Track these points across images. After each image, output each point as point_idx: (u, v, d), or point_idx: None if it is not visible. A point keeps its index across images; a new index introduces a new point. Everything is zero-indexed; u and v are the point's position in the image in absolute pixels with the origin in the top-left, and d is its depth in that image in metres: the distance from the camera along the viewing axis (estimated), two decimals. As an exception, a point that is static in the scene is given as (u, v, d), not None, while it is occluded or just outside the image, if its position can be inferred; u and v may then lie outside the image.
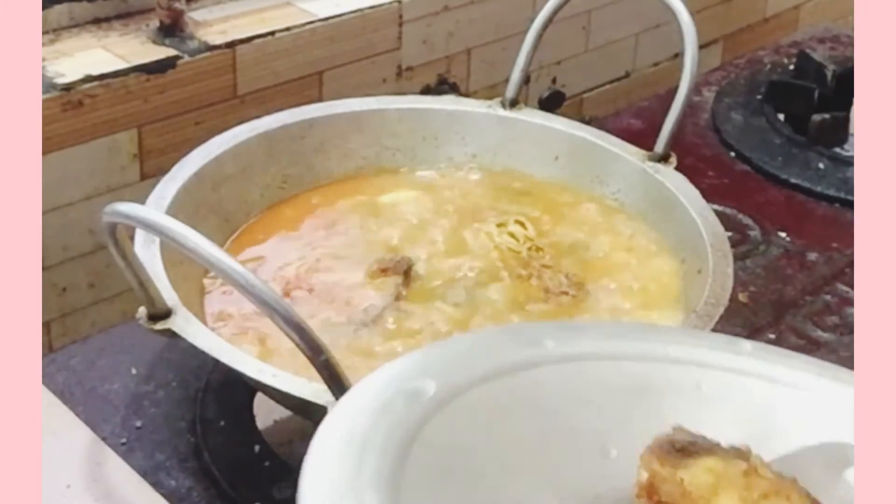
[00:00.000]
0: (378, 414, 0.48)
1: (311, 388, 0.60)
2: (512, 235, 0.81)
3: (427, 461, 0.48)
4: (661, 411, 0.54)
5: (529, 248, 0.79)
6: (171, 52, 0.97)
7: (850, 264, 0.92)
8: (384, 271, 0.76)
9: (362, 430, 0.47)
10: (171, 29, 0.99)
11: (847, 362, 0.82)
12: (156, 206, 0.72)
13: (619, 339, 0.58)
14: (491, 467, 0.50)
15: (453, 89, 1.19)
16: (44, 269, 0.93)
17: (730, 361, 0.58)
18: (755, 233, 0.97)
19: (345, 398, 0.51)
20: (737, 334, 0.84)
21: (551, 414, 0.53)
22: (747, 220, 0.98)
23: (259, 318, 0.69)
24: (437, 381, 0.51)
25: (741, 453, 0.52)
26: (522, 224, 0.82)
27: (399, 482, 0.45)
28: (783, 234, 0.96)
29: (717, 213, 0.78)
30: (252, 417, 0.75)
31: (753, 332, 0.85)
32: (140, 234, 0.69)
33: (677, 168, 0.82)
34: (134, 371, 0.79)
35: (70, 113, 0.91)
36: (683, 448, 0.52)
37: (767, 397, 0.57)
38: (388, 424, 0.48)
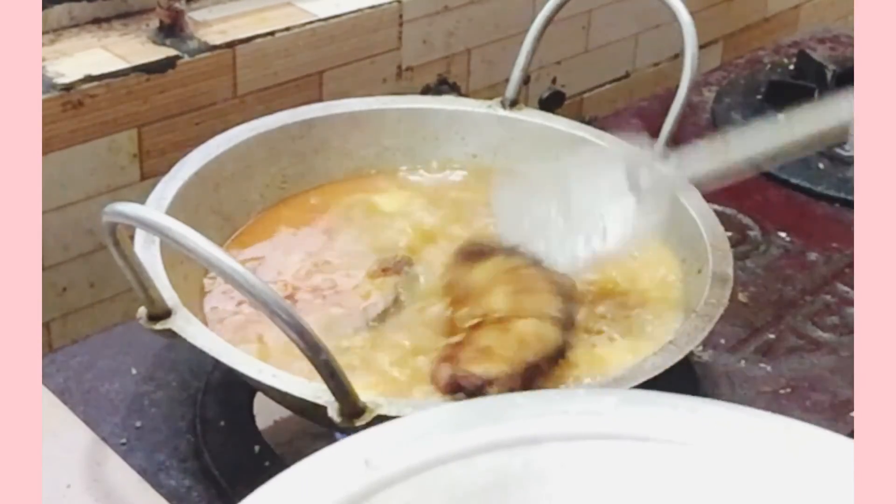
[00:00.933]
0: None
1: (311, 388, 0.60)
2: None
3: None
4: None
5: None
6: (171, 52, 0.97)
7: (850, 264, 0.92)
8: (384, 271, 0.76)
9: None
10: (171, 29, 0.99)
11: (847, 362, 0.82)
12: (156, 206, 0.72)
13: (466, 430, 0.50)
14: None
15: (453, 89, 1.19)
16: (44, 269, 0.93)
17: (593, 425, 0.51)
18: (755, 233, 0.97)
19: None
20: (737, 334, 0.85)
21: None
22: (747, 220, 0.98)
23: (259, 317, 0.70)
24: None
25: (515, 251, 0.69)
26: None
27: None
28: (783, 234, 0.96)
29: (717, 213, 0.78)
30: (252, 417, 0.75)
31: (753, 332, 0.85)
32: (140, 234, 0.69)
33: (677, 168, 0.82)
34: (134, 371, 0.79)
35: (70, 113, 0.91)
36: (474, 252, 0.69)
37: (639, 460, 0.50)
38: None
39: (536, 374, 0.67)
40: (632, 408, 0.52)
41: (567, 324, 0.70)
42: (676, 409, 0.52)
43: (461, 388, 0.65)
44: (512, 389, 0.64)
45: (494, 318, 0.68)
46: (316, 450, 0.76)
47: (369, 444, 0.49)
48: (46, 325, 0.96)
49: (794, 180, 1.05)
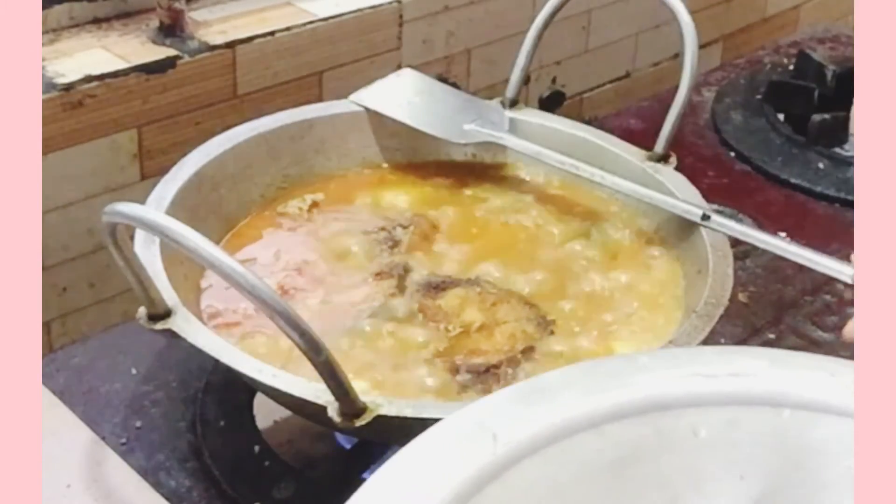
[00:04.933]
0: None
1: (311, 388, 0.60)
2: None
3: None
4: (660, 477, 0.45)
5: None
6: (171, 52, 0.97)
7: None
8: (378, 275, 0.76)
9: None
10: (171, 29, 0.99)
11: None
12: (156, 206, 0.72)
13: (593, 394, 0.46)
14: None
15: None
16: (44, 269, 0.93)
17: (730, 385, 0.46)
18: (755, 233, 0.97)
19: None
20: (737, 334, 0.85)
21: None
22: (748, 221, 0.98)
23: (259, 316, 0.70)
24: None
25: (475, 280, 0.74)
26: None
27: None
28: (783, 234, 0.96)
29: (717, 212, 0.78)
30: (252, 417, 0.75)
31: (753, 332, 0.85)
32: (140, 234, 0.69)
33: (677, 168, 0.82)
34: (134, 371, 0.79)
35: (70, 113, 0.91)
36: (437, 286, 0.74)
37: (780, 426, 0.45)
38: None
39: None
40: (785, 371, 0.46)
41: (545, 323, 0.72)
42: (835, 375, 0.47)
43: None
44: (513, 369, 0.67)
45: (475, 328, 0.71)
46: (316, 449, 0.76)
47: (493, 412, 0.46)
48: (46, 325, 0.96)
49: (794, 180, 1.05)
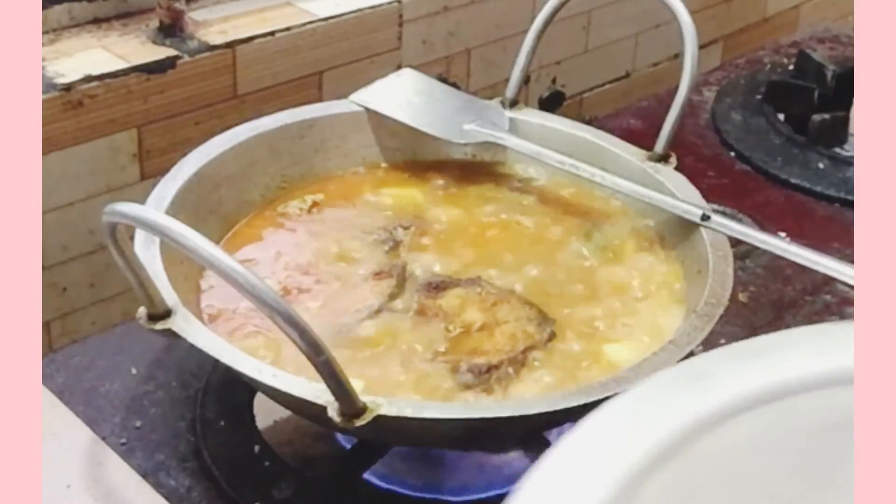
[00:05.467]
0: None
1: (311, 388, 0.60)
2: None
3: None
4: None
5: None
6: (171, 52, 0.97)
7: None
8: (378, 275, 0.76)
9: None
10: (171, 29, 0.99)
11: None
12: (156, 206, 0.72)
13: (824, 356, 0.45)
14: None
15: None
16: (44, 269, 0.93)
17: None
18: (755, 233, 0.97)
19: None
20: (737, 334, 0.85)
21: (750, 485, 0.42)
22: (747, 221, 0.98)
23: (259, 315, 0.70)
24: None
25: (476, 280, 0.74)
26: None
27: None
28: (783, 234, 0.96)
29: (717, 212, 0.78)
30: (252, 417, 0.75)
31: (753, 333, 0.85)
32: (140, 234, 0.69)
33: (677, 168, 0.82)
34: (134, 371, 0.79)
35: (70, 113, 0.91)
36: (437, 286, 0.73)
37: None
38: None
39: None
40: None
41: (546, 323, 0.71)
42: None
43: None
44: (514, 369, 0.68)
45: (476, 329, 0.71)
46: (316, 449, 0.76)
47: (710, 365, 0.46)
48: (46, 325, 0.96)
49: (794, 180, 1.05)
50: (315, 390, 0.59)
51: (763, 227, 0.97)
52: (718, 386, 0.45)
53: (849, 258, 0.71)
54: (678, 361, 0.65)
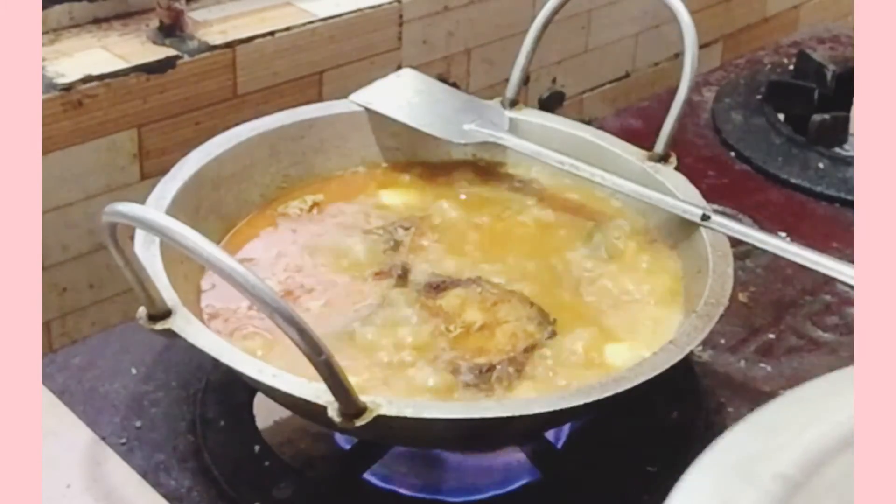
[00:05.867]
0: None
1: (311, 388, 0.60)
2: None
3: None
4: None
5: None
6: (171, 52, 0.97)
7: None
8: (378, 275, 0.76)
9: None
10: (171, 29, 0.99)
11: (847, 362, 0.82)
12: (156, 206, 0.72)
13: None
14: None
15: (453, 89, 1.19)
16: (44, 269, 0.93)
17: None
18: (755, 233, 0.97)
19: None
20: (737, 334, 0.85)
21: None
22: (747, 220, 0.98)
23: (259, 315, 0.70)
24: None
25: (476, 280, 0.74)
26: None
27: None
28: (783, 234, 0.96)
29: (717, 212, 0.78)
30: (252, 417, 0.75)
31: (753, 332, 0.86)
32: (140, 234, 0.69)
33: (677, 168, 0.82)
34: (134, 371, 0.79)
35: (70, 113, 0.91)
36: (437, 286, 0.74)
37: None
38: None
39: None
40: None
41: (546, 322, 0.71)
42: None
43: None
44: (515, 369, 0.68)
45: (476, 328, 0.71)
46: (316, 449, 0.76)
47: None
48: (46, 325, 0.96)
49: (794, 180, 1.05)
50: (315, 390, 0.59)
51: (763, 227, 0.97)
52: None
53: (849, 258, 0.71)
54: (678, 361, 0.65)
